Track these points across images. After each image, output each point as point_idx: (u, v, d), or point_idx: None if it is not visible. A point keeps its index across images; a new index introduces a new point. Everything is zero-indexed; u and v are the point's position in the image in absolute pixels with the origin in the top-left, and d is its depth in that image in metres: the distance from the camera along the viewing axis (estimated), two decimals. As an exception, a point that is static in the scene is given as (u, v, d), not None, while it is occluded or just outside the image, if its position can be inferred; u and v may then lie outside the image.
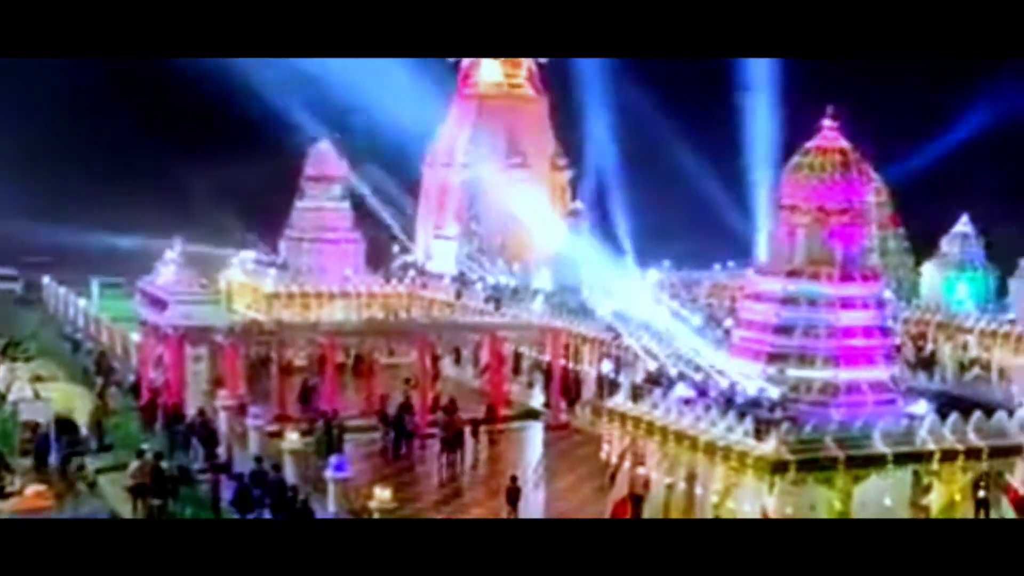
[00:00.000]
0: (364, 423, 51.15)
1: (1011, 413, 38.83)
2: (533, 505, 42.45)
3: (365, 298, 74.50)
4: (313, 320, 68.35)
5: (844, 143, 43.72)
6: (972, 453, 37.05)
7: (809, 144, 43.93)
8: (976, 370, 57.75)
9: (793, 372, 42.11)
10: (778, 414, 38.41)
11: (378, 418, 50.75)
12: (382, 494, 35.74)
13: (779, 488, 34.84)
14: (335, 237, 77.25)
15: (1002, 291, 66.58)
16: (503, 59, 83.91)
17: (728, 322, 52.23)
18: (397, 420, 49.30)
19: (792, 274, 43.60)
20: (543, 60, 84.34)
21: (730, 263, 76.56)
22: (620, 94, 79.39)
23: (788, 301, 43.34)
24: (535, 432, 53.32)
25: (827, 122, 44.00)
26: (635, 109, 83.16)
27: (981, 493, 38.20)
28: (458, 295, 70.46)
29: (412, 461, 47.93)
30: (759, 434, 36.40)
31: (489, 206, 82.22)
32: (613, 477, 41.64)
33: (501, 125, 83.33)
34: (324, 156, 78.07)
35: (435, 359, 58.70)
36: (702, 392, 42.10)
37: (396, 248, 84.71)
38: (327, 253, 76.72)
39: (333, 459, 40.38)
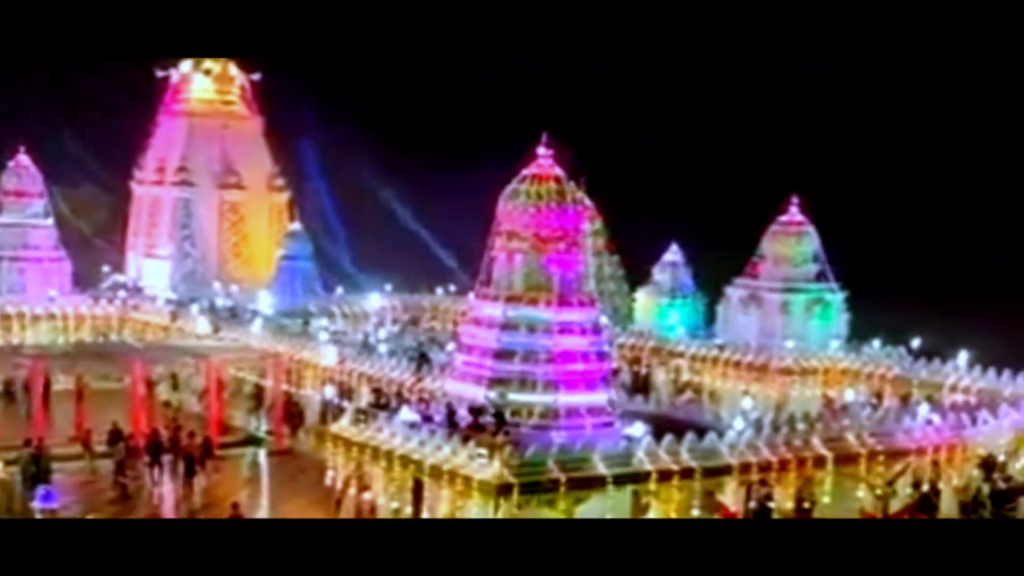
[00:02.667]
0: (73, 451, 48.65)
1: (721, 434, 40.36)
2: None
3: (73, 320, 71.21)
4: (16, 343, 64.88)
5: (558, 171, 44.75)
6: (686, 473, 38.30)
7: (525, 172, 44.73)
8: (689, 393, 59.91)
9: (514, 396, 42.79)
10: (501, 438, 38.77)
11: (83, 446, 48.36)
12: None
13: (504, 511, 35.06)
14: (38, 255, 73.58)
15: (710, 318, 69.34)
16: (215, 76, 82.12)
17: (450, 346, 52.38)
18: (112, 446, 47.07)
19: (511, 300, 44.32)
20: (256, 77, 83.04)
21: (451, 287, 77.06)
22: (338, 114, 79.12)
23: (508, 326, 44.06)
24: (258, 458, 52.02)
25: (541, 150, 44.91)
26: (351, 129, 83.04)
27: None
28: (173, 317, 68.23)
29: (127, 489, 45.84)
30: (483, 457, 36.57)
31: (203, 226, 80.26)
32: (339, 503, 41.16)
33: (214, 143, 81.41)
34: (22, 171, 74.12)
35: (149, 384, 56.51)
36: (426, 417, 42.18)
37: (106, 268, 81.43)
38: (29, 272, 72.99)
39: (40, 489, 38.19)
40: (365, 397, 53.03)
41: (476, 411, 41.09)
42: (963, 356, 55.96)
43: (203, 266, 79.64)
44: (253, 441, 54.14)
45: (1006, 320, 66.90)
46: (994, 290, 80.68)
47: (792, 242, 65.04)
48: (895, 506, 43.71)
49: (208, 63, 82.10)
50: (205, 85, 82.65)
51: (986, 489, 46.37)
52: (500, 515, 34.90)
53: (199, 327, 64.62)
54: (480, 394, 42.81)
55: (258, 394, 58.28)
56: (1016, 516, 45.58)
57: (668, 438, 38.67)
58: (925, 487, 44.35)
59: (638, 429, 39.87)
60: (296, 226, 76.21)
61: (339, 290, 76.19)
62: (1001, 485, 47.22)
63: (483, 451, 36.44)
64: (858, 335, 64.06)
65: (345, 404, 49.94)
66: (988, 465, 46.77)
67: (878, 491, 43.06)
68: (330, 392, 53.93)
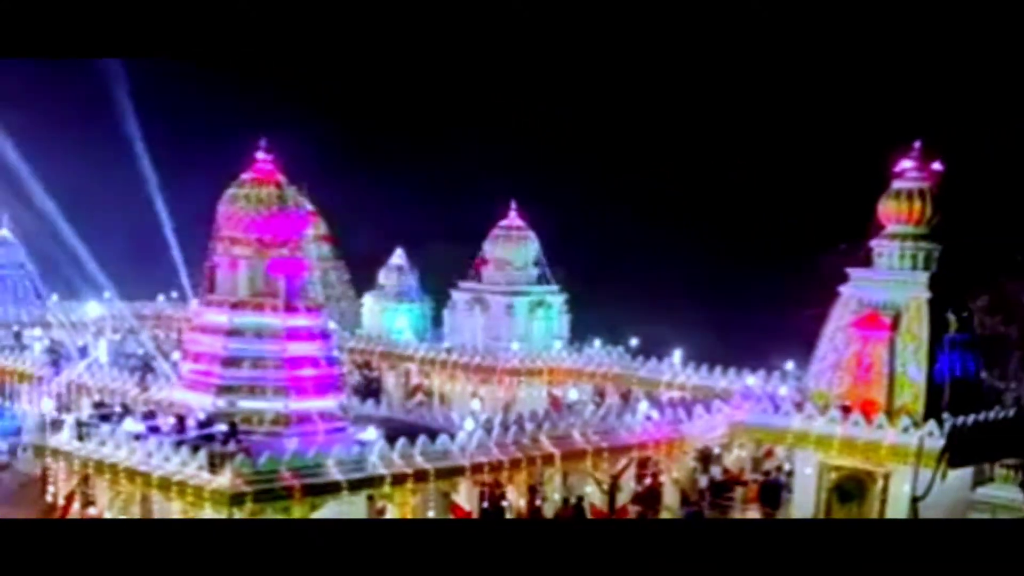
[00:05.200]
0: None
1: (453, 436, 41.01)
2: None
3: None
4: None
5: (279, 176, 44.37)
6: (420, 475, 38.75)
7: (244, 176, 44.10)
8: (419, 396, 60.51)
9: (244, 404, 42.26)
10: (231, 446, 38.30)
11: None
12: None
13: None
14: None
15: (437, 321, 70.18)
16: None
17: (176, 355, 51.22)
18: None
19: (237, 306, 43.71)
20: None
21: (174, 294, 75.26)
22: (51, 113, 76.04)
23: (235, 333, 43.43)
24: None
25: (260, 154, 44.42)
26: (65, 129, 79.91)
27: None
28: None
29: None
30: (214, 467, 36.04)
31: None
32: (63, 519, 39.70)
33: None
34: None
35: None
36: (153, 427, 41.16)
37: None
38: None
39: None
40: (87, 409, 51.21)
41: (206, 421, 40.40)
42: (677, 354, 58.49)
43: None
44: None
45: (715, 319, 70.33)
46: (703, 289, 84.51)
47: (514, 246, 66.58)
48: (622, 499, 45.46)
49: None
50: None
51: (704, 481, 48.83)
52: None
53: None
54: (209, 402, 42.08)
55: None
56: (733, 504, 48.28)
57: (401, 441, 39.02)
58: (648, 480, 46.35)
59: (371, 433, 40.11)
60: (4, 232, 72.89)
61: (54, 298, 73.29)
62: (718, 476, 49.84)
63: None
64: (579, 336, 66.19)
65: (64, 417, 48.09)
66: (705, 457, 49.24)
67: (604, 486, 44.65)
68: (48, 405, 51.84)
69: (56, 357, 56.06)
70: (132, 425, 40.36)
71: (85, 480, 39.19)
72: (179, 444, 37.75)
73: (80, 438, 40.30)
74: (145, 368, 52.32)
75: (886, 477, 42.19)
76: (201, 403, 42.30)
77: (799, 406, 44.88)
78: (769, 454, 50.68)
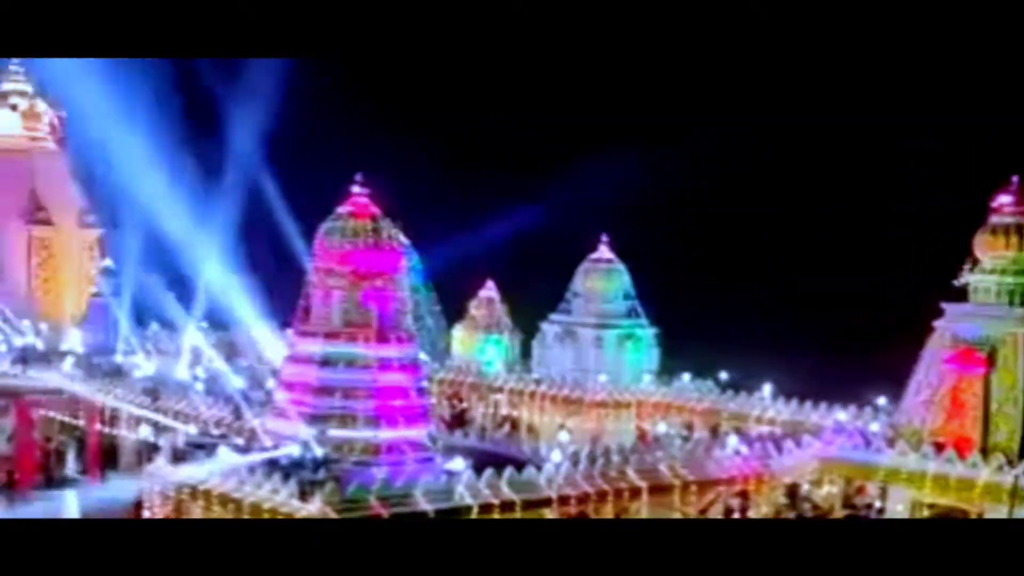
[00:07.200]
0: None
1: (539, 468, 41.16)
2: None
3: None
4: None
5: (374, 209, 45.27)
6: (507, 506, 38.94)
7: (340, 209, 45.08)
8: (507, 427, 60.72)
9: (335, 432, 42.80)
10: (321, 475, 38.83)
11: None
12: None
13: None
14: None
15: (527, 353, 70.42)
16: (23, 111, 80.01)
17: (270, 383, 52.05)
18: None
19: (330, 336, 44.44)
20: (64, 113, 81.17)
21: (269, 323, 76.19)
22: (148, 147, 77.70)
23: (327, 363, 44.13)
24: (70, 500, 50.58)
25: (356, 188, 45.35)
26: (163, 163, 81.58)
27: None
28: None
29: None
30: (304, 495, 36.61)
31: (11, 263, 77.98)
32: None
33: (22, 179, 79.16)
34: None
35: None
36: (247, 454, 41.83)
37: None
38: None
39: None
40: (182, 436, 52.19)
41: (299, 449, 41.00)
42: (767, 388, 58.11)
43: (11, 304, 77.23)
44: (64, 482, 52.84)
45: (806, 353, 69.64)
46: (793, 323, 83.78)
47: (604, 279, 66.71)
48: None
49: (15, 99, 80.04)
50: (12, 120, 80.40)
51: (792, 516, 48.39)
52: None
53: (7, 366, 62.58)
54: (301, 431, 42.71)
55: (71, 434, 56.85)
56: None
57: (488, 472, 39.26)
58: (735, 515, 46.04)
59: (459, 464, 40.43)
60: (108, 263, 74.62)
61: (154, 326, 74.73)
62: (807, 512, 49.35)
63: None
64: (668, 369, 65.98)
65: (161, 442, 49.15)
66: (793, 493, 48.80)
67: (691, 520, 44.47)
68: (146, 431, 52.93)
69: (153, 385, 57.12)
70: (225, 453, 41.06)
71: (179, 505, 39.87)
72: (270, 472, 38.36)
73: (176, 463, 41.14)
74: (239, 397, 53.13)
75: (980, 516, 41.51)
76: (294, 431, 42.94)
77: (891, 442, 44.43)
78: (860, 490, 50.02)
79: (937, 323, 45.64)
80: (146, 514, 41.09)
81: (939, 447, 42.91)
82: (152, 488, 41.19)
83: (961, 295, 45.66)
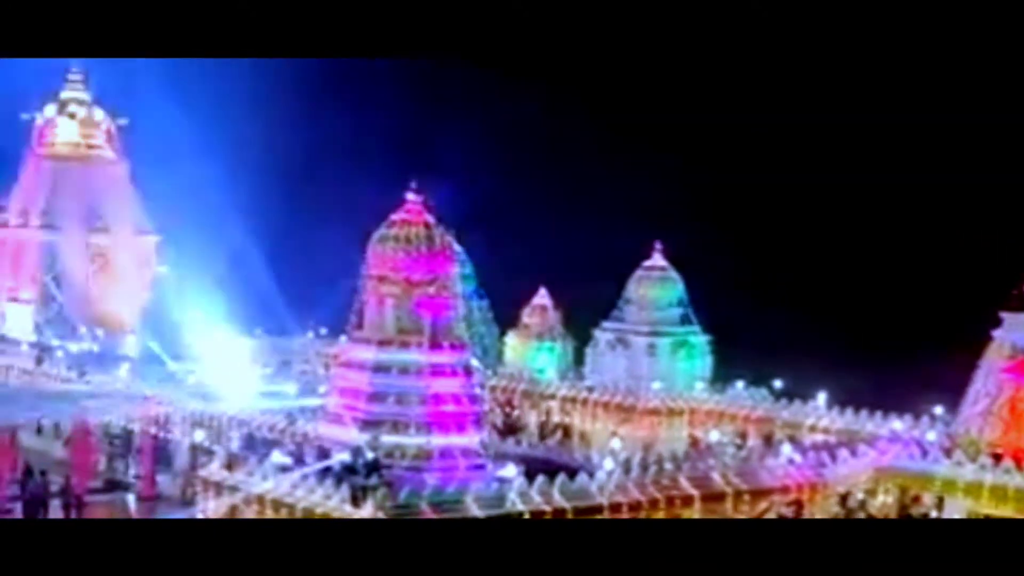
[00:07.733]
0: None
1: (592, 475, 41.03)
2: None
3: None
4: None
5: (428, 216, 45.46)
6: (558, 513, 38.84)
7: (394, 216, 45.31)
8: (559, 434, 60.62)
9: (387, 439, 43.02)
10: (374, 480, 38.93)
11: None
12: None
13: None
14: None
15: (579, 360, 70.27)
16: (81, 119, 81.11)
17: (322, 389, 52.32)
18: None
19: (383, 343, 44.66)
20: (123, 122, 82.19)
21: (323, 330, 76.74)
22: (207, 157, 78.49)
23: (380, 369, 44.38)
24: (126, 503, 51.20)
25: (410, 195, 45.53)
26: (220, 171, 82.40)
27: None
28: (39, 362, 66.85)
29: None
30: (356, 500, 36.74)
31: (69, 270, 79.01)
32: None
33: (80, 187, 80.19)
34: None
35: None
36: (298, 459, 42.08)
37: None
38: None
39: None
40: (236, 441, 52.58)
41: (351, 455, 41.15)
42: (822, 397, 57.65)
43: (69, 310, 78.26)
44: (119, 485, 53.41)
45: (861, 361, 69.09)
46: (848, 331, 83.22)
47: (657, 286, 66.46)
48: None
49: (73, 107, 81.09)
50: (70, 129, 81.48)
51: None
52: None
53: (65, 372, 63.32)
54: (353, 437, 42.90)
55: (126, 439, 57.40)
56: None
57: (540, 479, 39.18)
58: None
59: (510, 471, 40.39)
60: (163, 269, 75.43)
61: (210, 333, 75.24)
62: (861, 522, 48.88)
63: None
64: (721, 377, 65.60)
65: (216, 448, 49.48)
66: (847, 502, 48.35)
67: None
68: (200, 436, 53.35)
69: (206, 390, 57.56)
70: (279, 457, 41.27)
71: (233, 510, 40.10)
72: (323, 477, 38.52)
73: (230, 468, 41.41)
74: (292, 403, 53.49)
75: (1039, 527, 40.91)
76: (346, 437, 43.16)
77: (948, 452, 43.91)
78: (916, 500, 49.45)
79: (995, 332, 45.09)
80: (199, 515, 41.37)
81: (997, 458, 42.36)
82: (206, 492, 41.45)
83: (1020, 304, 45.07)
